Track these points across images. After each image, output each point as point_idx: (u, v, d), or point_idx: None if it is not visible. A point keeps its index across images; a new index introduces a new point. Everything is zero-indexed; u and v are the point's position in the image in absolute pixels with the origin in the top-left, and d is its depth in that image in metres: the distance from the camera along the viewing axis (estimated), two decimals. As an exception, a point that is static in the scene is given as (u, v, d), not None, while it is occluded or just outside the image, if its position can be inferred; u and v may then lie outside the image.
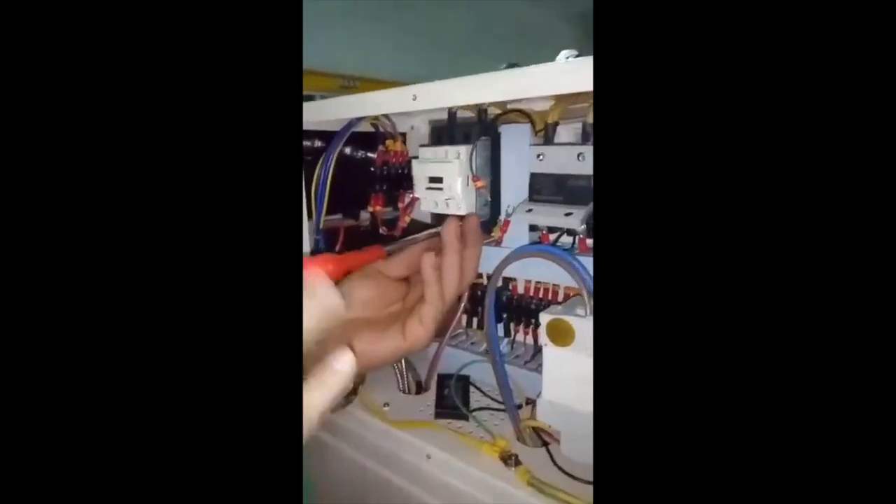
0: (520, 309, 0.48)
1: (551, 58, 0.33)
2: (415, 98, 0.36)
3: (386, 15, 1.61)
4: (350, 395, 0.41)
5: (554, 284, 0.46)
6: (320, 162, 0.46)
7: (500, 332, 0.50)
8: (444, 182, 0.43)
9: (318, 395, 0.21)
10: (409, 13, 1.66)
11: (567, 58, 0.34)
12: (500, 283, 0.48)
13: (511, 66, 0.45)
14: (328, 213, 0.50)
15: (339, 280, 0.27)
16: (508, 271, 0.41)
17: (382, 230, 0.52)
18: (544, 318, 0.36)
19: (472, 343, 0.52)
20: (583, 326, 0.34)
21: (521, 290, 0.48)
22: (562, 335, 0.35)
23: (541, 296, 0.47)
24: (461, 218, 0.38)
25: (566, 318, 0.35)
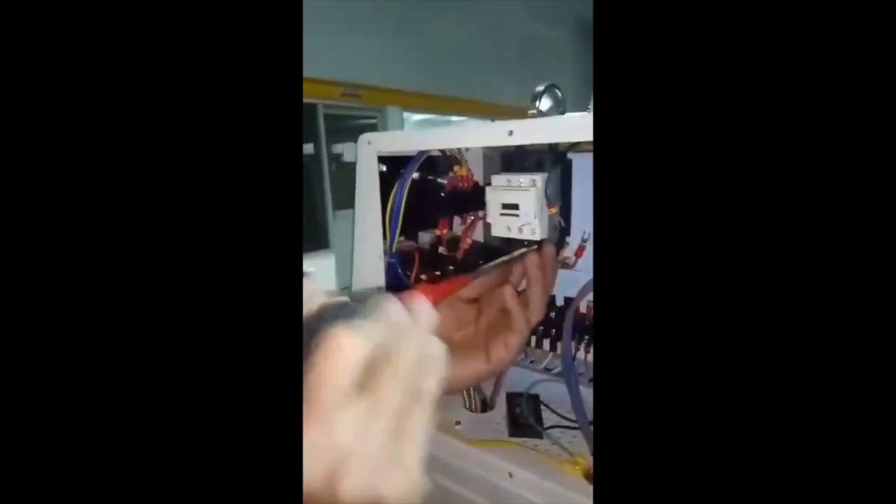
0: (582, 328, 0.50)
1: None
2: (511, 133, 0.37)
3: (388, 24, 1.62)
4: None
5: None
6: (395, 187, 0.47)
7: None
8: (521, 209, 0.44)
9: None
10: (411, 22, 1.67)
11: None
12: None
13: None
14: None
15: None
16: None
17: (442, 251, 0.53)
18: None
19: (532, 361, 0.54)
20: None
21: (583, 309, 0.50)
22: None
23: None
24: (538, 245, 0.40)
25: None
